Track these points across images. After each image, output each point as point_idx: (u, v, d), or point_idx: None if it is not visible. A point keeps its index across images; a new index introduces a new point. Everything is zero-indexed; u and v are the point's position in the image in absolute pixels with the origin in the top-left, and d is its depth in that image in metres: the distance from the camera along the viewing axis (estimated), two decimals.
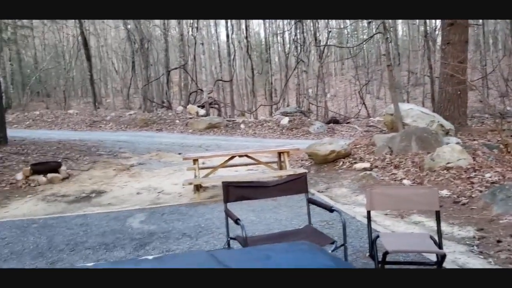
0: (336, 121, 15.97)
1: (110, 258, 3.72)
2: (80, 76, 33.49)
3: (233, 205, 5.28)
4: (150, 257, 1.21)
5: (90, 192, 6.80)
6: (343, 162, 7.42)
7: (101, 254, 3.82)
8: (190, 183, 5.95)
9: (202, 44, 18.01)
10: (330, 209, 2.94)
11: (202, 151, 10.80)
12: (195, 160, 6.18)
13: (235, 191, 2.94)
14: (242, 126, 15.31)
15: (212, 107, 18.21)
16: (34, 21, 32.08)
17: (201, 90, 18.91)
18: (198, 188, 5.95)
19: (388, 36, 9.22)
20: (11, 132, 12.13)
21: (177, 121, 16.63)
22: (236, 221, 2.64)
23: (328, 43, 20.60)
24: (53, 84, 33.00)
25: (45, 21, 32.48)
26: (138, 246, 4.01)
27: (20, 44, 31.14)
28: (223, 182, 2.91)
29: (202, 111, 17.01)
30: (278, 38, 25.83)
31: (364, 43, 21.08)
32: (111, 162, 9.60)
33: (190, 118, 16.49)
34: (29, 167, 7.72)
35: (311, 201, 3.18)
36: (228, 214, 2.83)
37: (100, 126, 17.38)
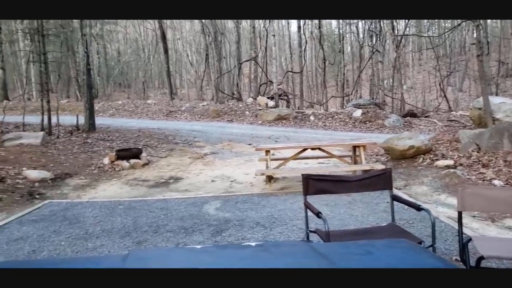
0: (413, 115, 15.04)
1: (189, 242, 3.88)
2: (158, 68, 35.45)
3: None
4: (253, 244, 1.22)
5: (168, 178, 7.16)
6: (423, 159, 6.97)
7: (181, 237, 4.00)
8: (262, 174, 5.99)
9: (274, 35, 17.99)
10: (418, 208, 2.75)
11: (271, 143, 10.86)
12: (267, 151, 6.20)
13: (315, 184, 2.88)
14: (311, 118, 15.10)
15: (281, 99, 18.19)
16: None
17: (271, 81, 18.96)
18: (270, 179, 5.98)
19: (479, 23, 8.39)
20: (97, 120, 13.21)
21: (247, 112, 16.89)
22: (318, 214, 2.59)
23: (407, 32, 19.36)
24: (133, 76, 35.37)
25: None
26: (215, 232, 4.13)
27: (106, 38, 33.81)
28: (303, 175, 2.87)
29: (271, 103, 17.08)
30: (352, 27, 24.91)
31: (449, 32, 19.43)
32: (187, 150, 10.05)
33: (260, 109, 16.65)
34: (114, 153, 8.35)
35: (395, 198, 3.01)
36: (308, 206, 2.78)
37: (176, 116, 18.27)
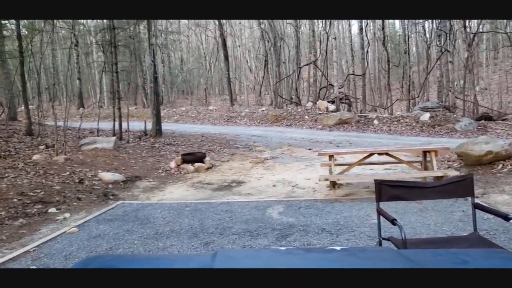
0: (488, 118, 13.90)
1: (255, 245, 3.89)
2: (218, 75, 36.50)
3: (373, 206, 5.03)
4: (338, 248, 1.17)
5: (230, 181, 7.28)
6: (503, 165, 6.39)
7: (247, 240, 4.02)
8: (326, 179, 5.86)
9: (335, 38, 17.68)
10: (506, 217, 2.49)
11: (333, 148, 10.62)
12: (331, 156, 6.07)
13: (389, 190, 2.73)
14: (375, 122, 14.57)
15: (342, 103, 17.79)
16: (181, 26, 36.18)
17: (332, 85, 18.63)
18: (333, 184, 5.83)
19: None
20: (163, 126, 13.85)
21: (306, 116, 16.74)
22: (393, 221, 2.45)
23: (481, 29, 17.97)
24: (196, 83, 36.74)
25: (191, 25, 36.32)
26: (280, 236, 4.10)
27: (169, 48, 35.56)
28: (375, 180, 2.73)
29: (332, 107, 16.76)
30: (418, 27, 23.68)
31: None
32: (247, 154, 10.17)
33: (320, 113, 16.41)
34: (180, 157, 8.68)
35: (478, 207, 2.76)
36: (381, 213, 2.64)
37: (236, 121, 18.63)
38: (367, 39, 20.55)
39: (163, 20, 27.93)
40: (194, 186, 7.07)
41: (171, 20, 32.45)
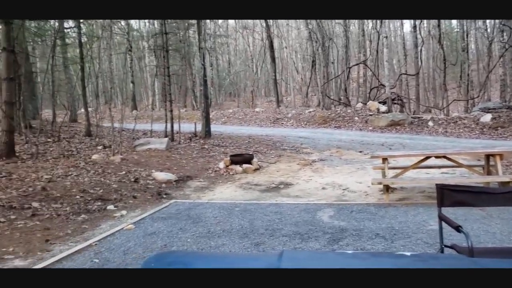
0: None
1: (306, 247, 3.84)
2: (265, 77, 36.69)
3: (430, 211, 4.79)
4: (408, 253, 1.11)
5: (278, 183, 7.26)
6: None
7: (297, 243, 3.98)
8: (380, 183, 5.66)
9: (386, 37, 17.10)
10: None
11: (385, 150, 10.27)
12: (385, 159, 5.85)
13: (452, 195, 2.56)
14: (430, 123, 13.90)
15: (394, 103, 17.16)
16: (229, 29, 36.83)
17: (383, 85, 18.02)
18: (387, 188, 5.62)
19: None
20: (212, 127, 14.14)
21: (356, 118, 16.34)
22: (457, 228, 2.30)
23: None
24: (242, 85, 37.19)
25: (238, 28, 36.85)
26: (331, 240, 4.01)
27: (217, 51, 36.29)
28: (437, 185, 2.58)
29: (383, 108, 16.23)
30: (478, 23, 22.26)
31: None
32: (295, 156, 10.10)
33: (370, 115, 15.96)
34: (229, 158, 8.81)
35: None
36: (444, 219, 2.49)
37: (282, 123, 18.61)
38: (421, 36, 19.62)
39: (211, 24, 28.55)
40: (243, 187, 7.13)
41: (219, 24, 33.13)
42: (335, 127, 16.11)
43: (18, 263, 3.66)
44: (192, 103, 28.48)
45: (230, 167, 8.50)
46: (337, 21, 23.69)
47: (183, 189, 6.94)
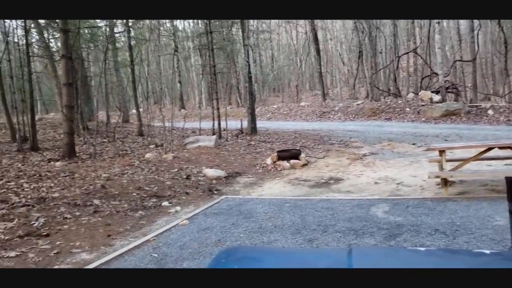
0: None
1: (360, 243, 3.74)
2: (309, 71, 36.21)
3: (494, 205, 4.48)
4: (487, 251, 1.05)
5: (328, 178, 7.14)
6: None
7: (352, 239, 3.89)
8: (437, 176, 5.38)
9: (438, 23, 16.20)
10: None
11: (440, 142, 9.76)
12: (442, 151, 5.54)
13: None
14: (490, 112, 13.02)
15: (449, 92, 16.25)
16: (271, 24, 36.74)
17: (435, 73, 17.12)
18: (445, 182, 5.32)
19: None
20: (257, 123, 14.20)
21: (408, 109, 15.68)
22: None
23: None
24: (286, 80, 36.96)
25: (281, 22, 36.66)
26: (388, 236, 3.88)
27: (260, 47, 36.34)
28: (507, 178, 2.39)
29: (436, 97, 15.43)
30: None
31: None
32: (344, 151, 9.88)
33: (423, 105, 15.24)
34: (276, 154, 8.79)
35: None
36: None
37: (329, 117, 18.29)
38: (478, 20, 18.38)
39: (254, 20, 28.61)
40: (291, 182, 7.09)
41: (262, 20, 33.08)
42: (386, 119, 15.56)
43: (85, 256, 3.90)
44: (237, 100, 28.77)
45: (277, 162, 8.48)
46: None
47: (232, 185, 7.03)
